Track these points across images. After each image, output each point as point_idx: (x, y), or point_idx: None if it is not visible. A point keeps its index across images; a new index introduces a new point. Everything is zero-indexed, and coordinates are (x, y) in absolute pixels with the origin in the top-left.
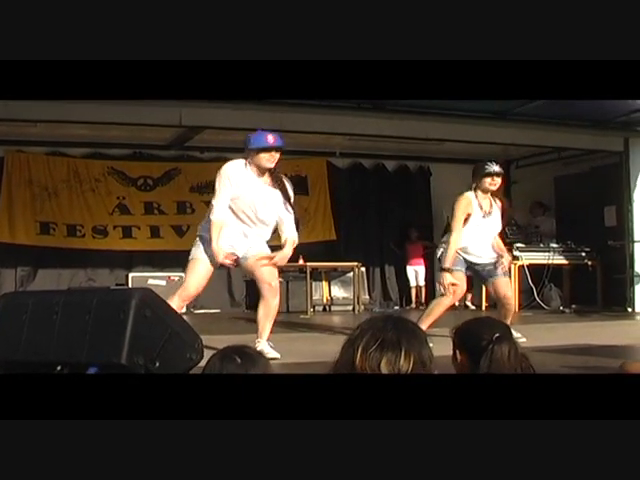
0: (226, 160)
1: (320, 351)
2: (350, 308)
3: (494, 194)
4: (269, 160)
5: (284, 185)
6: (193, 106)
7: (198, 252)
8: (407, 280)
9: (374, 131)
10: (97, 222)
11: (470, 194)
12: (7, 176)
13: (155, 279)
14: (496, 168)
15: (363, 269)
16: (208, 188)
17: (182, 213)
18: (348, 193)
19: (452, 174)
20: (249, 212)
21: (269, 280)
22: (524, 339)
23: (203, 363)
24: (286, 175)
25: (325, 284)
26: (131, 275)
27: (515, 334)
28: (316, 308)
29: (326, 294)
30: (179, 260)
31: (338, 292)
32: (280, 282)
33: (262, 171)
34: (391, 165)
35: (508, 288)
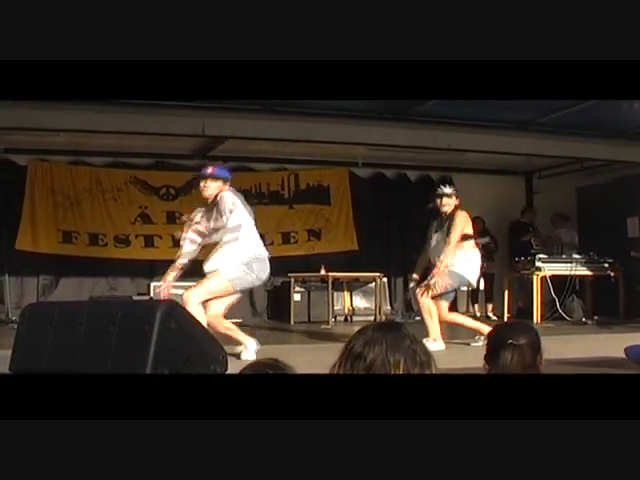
0: (248, 170)
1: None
2: (372, 318)
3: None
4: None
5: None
6: (216, 116)
7: None
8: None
9: (396, 141)
10: (119, 231)
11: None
12: (30, 185)
13: (177, 289)
14: (446, 190)
15: (385, 279)
16: None
17: None
18: (370, 203)
19: (475, 185)
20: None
21: None
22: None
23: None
24: (308, 185)
25: (347, 294)
26: (153, 284)
27: None
28: (337, 318)
29: (347, 304)
30: (201, 270)
31: (360, 302)
32: (302, 292)
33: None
34: (413, 175)
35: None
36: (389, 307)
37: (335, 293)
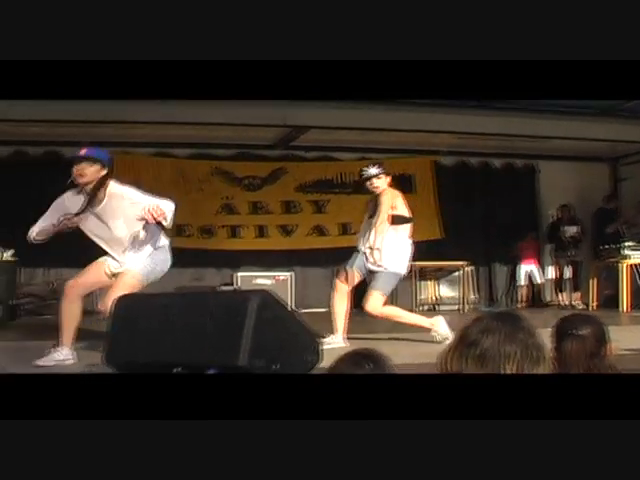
0: (331, 160)
1: (433, 352)
2: (457, 308)
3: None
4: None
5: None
6: (298, 106)
7: None
8: (517, 279)
9: (480, 129)
10: (204, 222)
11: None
12: (114, 177)
13: (262, 278)
14: (372, 170)
15: (470, 268)
16: (314, 187)
17: (288, 212)
18: (454, 192)
19: (559, 172)
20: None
21: None
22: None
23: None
24: (392, 174)
25: (432, 283)
26: (238, 275)
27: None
28: (423, 308)
29: (433, 293)
30: (286, 259)
31: (445, 291)
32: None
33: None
34: (497, 163)
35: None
36: (475, 296)
37: (420, 282)
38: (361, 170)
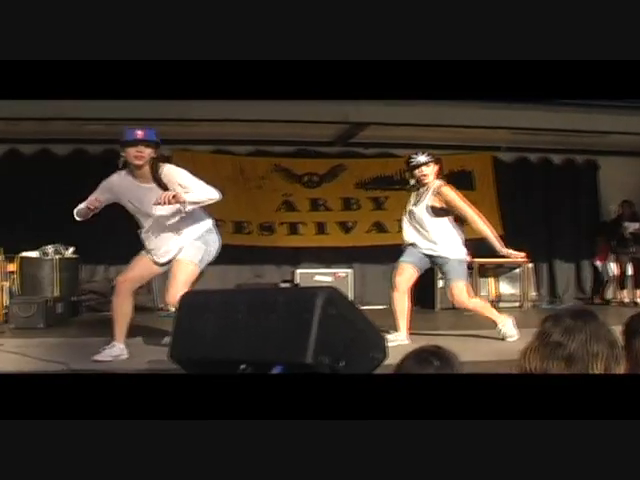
0: (390, 156)
1: (498, 349)
2: (517, 305)
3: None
4: (136, 156)
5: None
6: (358, 102)
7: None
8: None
9: (539, 124)
10: (264, 219)
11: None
12: None
13: (321, 275)
14: (421, 158)
15: (530, 265)
16: (373, 184)
17: (348, 209)
18: (513, 188)
19: (619, 167)
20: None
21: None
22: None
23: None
24: (451, 171)
25: (492, 280)
26: (298, 271)
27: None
28: None
29: (493, 290)
30: (346, 256)
31: (505, 288)
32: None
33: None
34: (557, 159)
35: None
36: (535, 293)
37: (481, 279)
38: (409, 157)
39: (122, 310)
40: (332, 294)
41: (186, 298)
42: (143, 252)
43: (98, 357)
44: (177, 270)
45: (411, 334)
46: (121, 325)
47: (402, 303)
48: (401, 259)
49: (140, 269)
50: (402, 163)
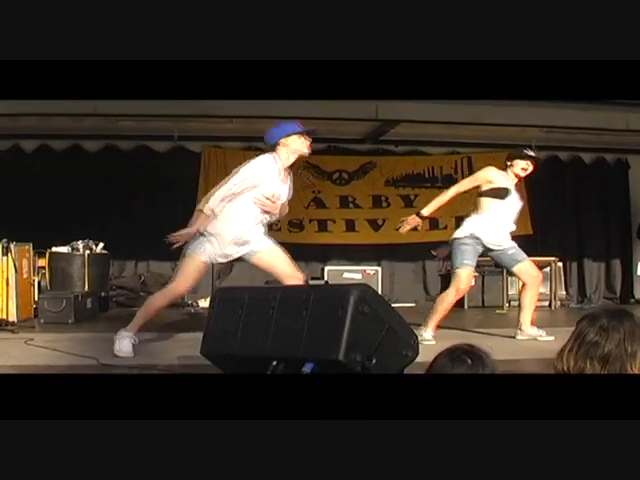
0: (420, 154)
1: (522, 348)
2: (546, 304)
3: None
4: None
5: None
6: (388, 99)
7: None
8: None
9: (570, 122)
10: (293, 216)
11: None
12: (204, 171)
13: (350, 272)
14: (532, 153)
15: (560, 264)
16: (403, 182)
17: (377, 207)
18: (544, 186)
19: None
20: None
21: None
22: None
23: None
24: (482, 168)
25: None
26: (327, 269)
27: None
28: (512, 303)
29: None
30: (374, 254)
31: None
32: (476, 276)
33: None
34: (588, 157)
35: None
36: (564, 292)
37: (509, 278)
38: (523, 151)
39: (153, 309)
40: (365, 292)
41: (218, 294)
42: (193, 255)
43: (119, 354)
44: (273, 257)
45: (440, 331)
46: (144, 319)
47: (449, 304)
48: (466, 265)
49: (194, 273)
50: (432, 160)
